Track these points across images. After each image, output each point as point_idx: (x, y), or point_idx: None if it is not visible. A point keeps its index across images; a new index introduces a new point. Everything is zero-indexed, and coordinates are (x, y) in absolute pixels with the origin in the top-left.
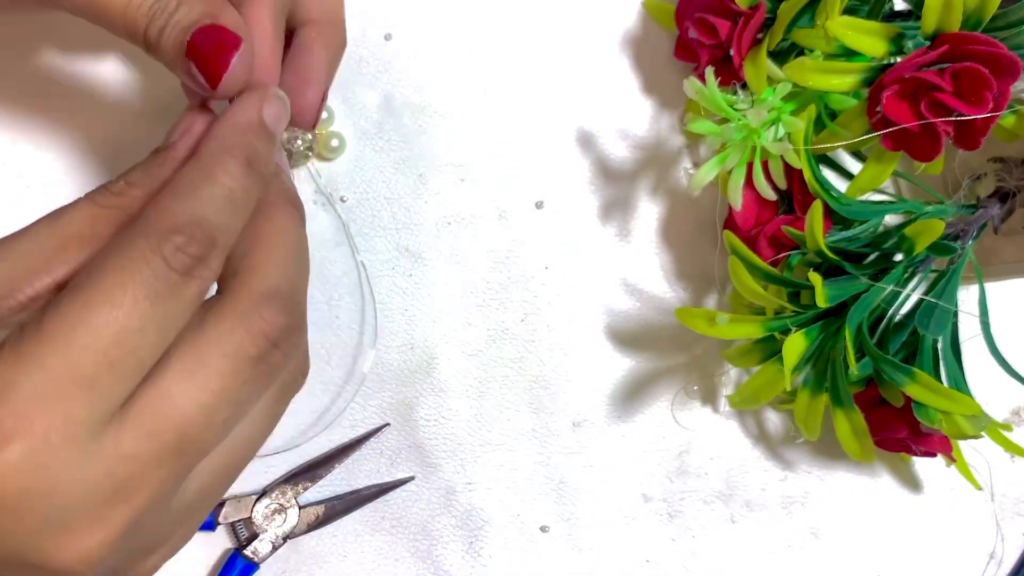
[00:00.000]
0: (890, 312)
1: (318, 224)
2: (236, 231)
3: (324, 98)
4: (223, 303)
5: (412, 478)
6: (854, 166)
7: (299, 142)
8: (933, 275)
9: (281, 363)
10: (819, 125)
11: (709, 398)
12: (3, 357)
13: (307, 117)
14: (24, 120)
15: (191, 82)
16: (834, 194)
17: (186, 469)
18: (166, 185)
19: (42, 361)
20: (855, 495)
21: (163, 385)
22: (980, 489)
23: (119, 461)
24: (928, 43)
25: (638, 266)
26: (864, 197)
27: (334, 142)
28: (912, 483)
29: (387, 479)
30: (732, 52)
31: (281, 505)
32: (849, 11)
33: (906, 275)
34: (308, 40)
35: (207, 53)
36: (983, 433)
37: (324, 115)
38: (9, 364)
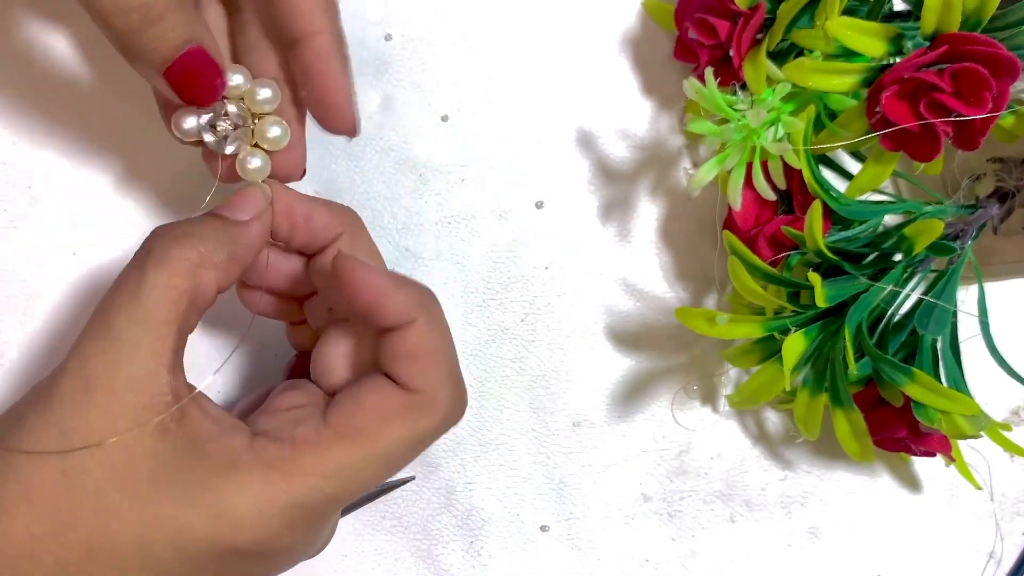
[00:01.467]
0: (889, 312)
1: None
2: None
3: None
4: (412, 397)
5: (412, 478)
6: (853, 166)
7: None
8: (932, 275)
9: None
10: (818, 125)
11: (709, 398)
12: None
13: (351, 126)
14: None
15: (165, 91)
16: (833, 194)
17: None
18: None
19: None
20: (855, 495)
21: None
22: (980, 489)
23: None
24: (927, 43)
25: (638, 266)
26: (863, 197)
27: (274, 130)
28: (911, 483)
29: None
30: (732, 52)
31: None
32: (848, 11)
33: (905, 275)
34: (323, 62)
35: (186, 77)
36: (982, 433)
37: (265, 94)
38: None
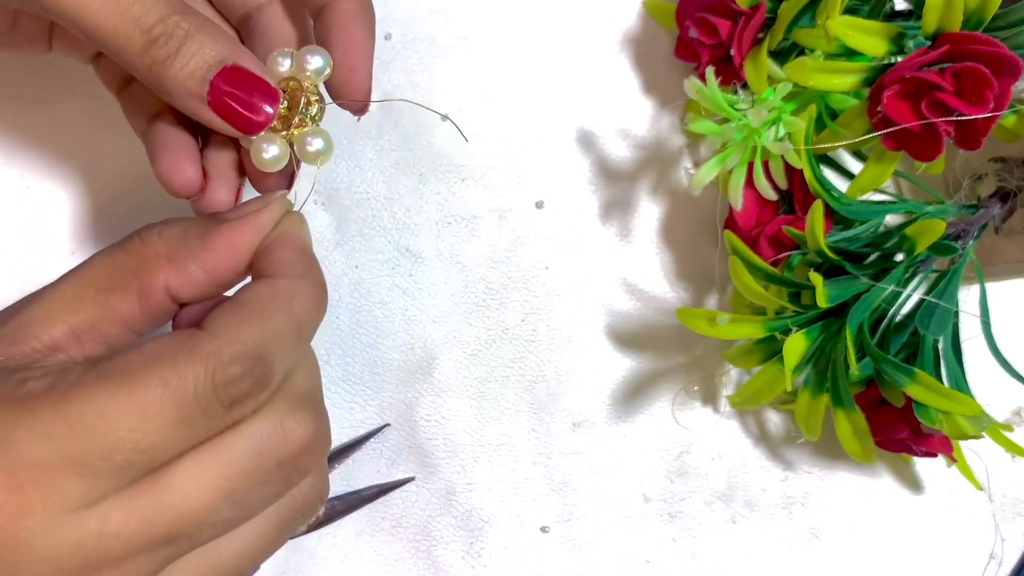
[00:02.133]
0: (891, 312)
1: (317, 224)
2: (293, 366)
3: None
4: (196, 336)
5: (412, 479)
6: (855, 166)
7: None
8: (934, 275)
9: (303, 471)
10: (820, 125)
11: (710, 398)
12: (19, 409)
13: (364, 96)
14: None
15: (210, 123)
16: (835, 194)
17: (168, 560)
18: (205, 263)
19: (51, 431)
20: (856, 495)
21: (173, 477)
22: (981, 489)
23: (98, 538)
24: (929, 43)
25: (638, 266)
26: (865, 197)
27: (315, 142)
28: (913, 483)
29: (387, 479)
30: (732, 52)
31: None
32: (850, 11)
33: (907, 275)
34: (346, 18)
35: (237, 100)
36: (984, 433)
37: (317, 63)
38: (21, 419)
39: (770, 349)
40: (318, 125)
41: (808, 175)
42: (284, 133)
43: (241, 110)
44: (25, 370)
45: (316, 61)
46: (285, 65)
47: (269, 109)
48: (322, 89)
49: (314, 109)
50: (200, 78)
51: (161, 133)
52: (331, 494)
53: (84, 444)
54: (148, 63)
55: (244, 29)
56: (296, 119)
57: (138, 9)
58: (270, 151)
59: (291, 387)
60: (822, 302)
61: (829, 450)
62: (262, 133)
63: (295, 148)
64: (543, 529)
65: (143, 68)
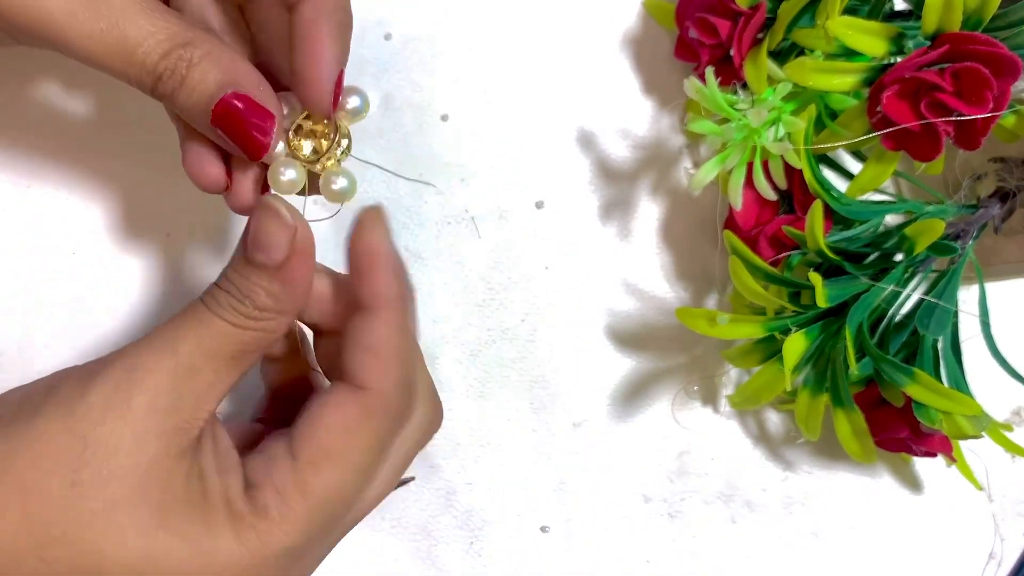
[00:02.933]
0: (890, 312)
1: (317, 224)
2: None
3: (340, 81)
4: (366, 398)
5: (412, 478)
6: (854, 166)
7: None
8: (933, 275)
9: (400, 433)
10: (819, 125)
11: (709, 398)
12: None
13: (321, 103)
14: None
15: (223, 145)
16: (834, 194)
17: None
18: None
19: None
20: (856, 495)
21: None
22: (981, 489)
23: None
24: (928, 43)
25: (638, 266)
26: (864, 197)
27: (339, 182)
28: (912, 483)
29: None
30: (732, 52)
31: None
32: (849, 11)
33: (906, 275)
34: (312, 15)
35: (235, 126)
36: (984, 433)
37: (355, 102)
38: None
39: (770, 349)
40: (341, 164)
41: (808, 175)
42: (313, 163)
43: (244, 133)
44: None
45: (354, 101)
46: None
47: (267, 134)
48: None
49: (342, 148)
50: (203, 108)
51: (190, 132)
52: None
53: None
54: (159, 95)
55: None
56: (326, 155)
57: (142, 53)
58: (287, 174)
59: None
60: (822, 302)
61: (829, 450)
62: (283, 157)
63: (320, 184)
64: (543, 529)
65: (157, 97)
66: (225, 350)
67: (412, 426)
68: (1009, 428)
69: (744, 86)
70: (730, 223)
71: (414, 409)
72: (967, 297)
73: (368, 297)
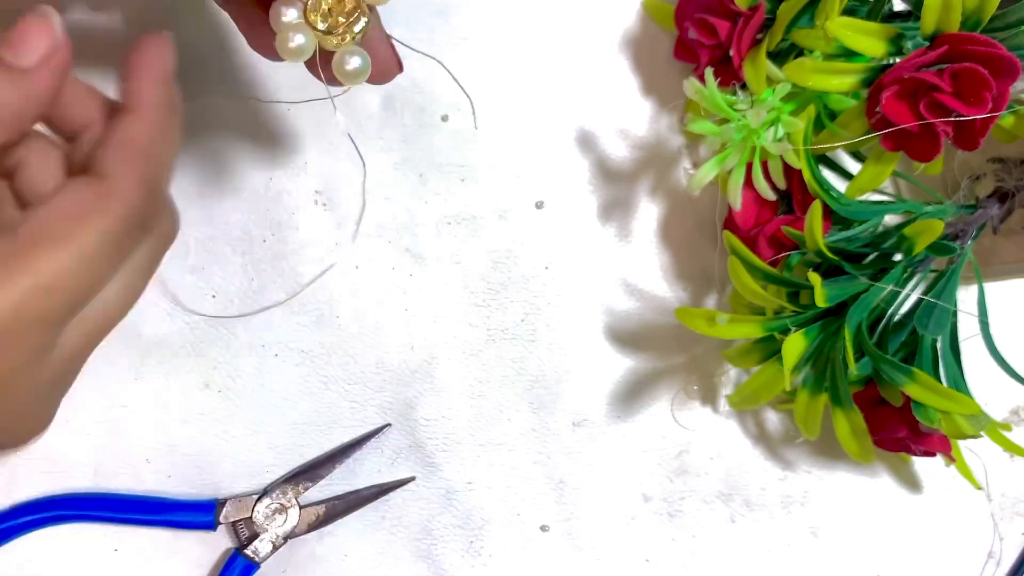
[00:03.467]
0: (889, 312)
1: (318, 224)
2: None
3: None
4: (103, 185)
5: (412, 478)
6: (853, 166)
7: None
8: (932, 275)
9: (141, 237)
10: (818, 125)
11: (709, 398)
12: None
13: (391, 69)
14: None
15: None
16: (834, 194)
17: (55, 332)
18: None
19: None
20: (855, 495)
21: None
22: (980, 488)
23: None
24: (927, 43)
25: (638, 266)
26: (863, 197)
27: (353, 61)
28: (911, 483)
29: (387, 479)
30: (732, 52)
31: (282, 505)
32: (848, 12)
33: (905, 275)
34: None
35: None
36: (982, 433)
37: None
38: None
39: (769, 349)
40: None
41: (807, 175)
42: (327, 36)
43: None
44: None
45: (355, 61)
46: None
47: None
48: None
49: (359, 25)
50: None
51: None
52: (332, 493)
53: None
54: None
55: None
56: (342, 31)
57: None
58: (295, 40)
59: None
60: (821, 302)
61: (828, 449)
62: (293, 22)
63: (333, 64)
64: (543, 528)
65: None
66: None
67: (155, 236)
68: (1008, 427)
69: (743, 87)
70: (729, 223)
71: (158, 219)
72: (966, 297)
73: (130, 98)
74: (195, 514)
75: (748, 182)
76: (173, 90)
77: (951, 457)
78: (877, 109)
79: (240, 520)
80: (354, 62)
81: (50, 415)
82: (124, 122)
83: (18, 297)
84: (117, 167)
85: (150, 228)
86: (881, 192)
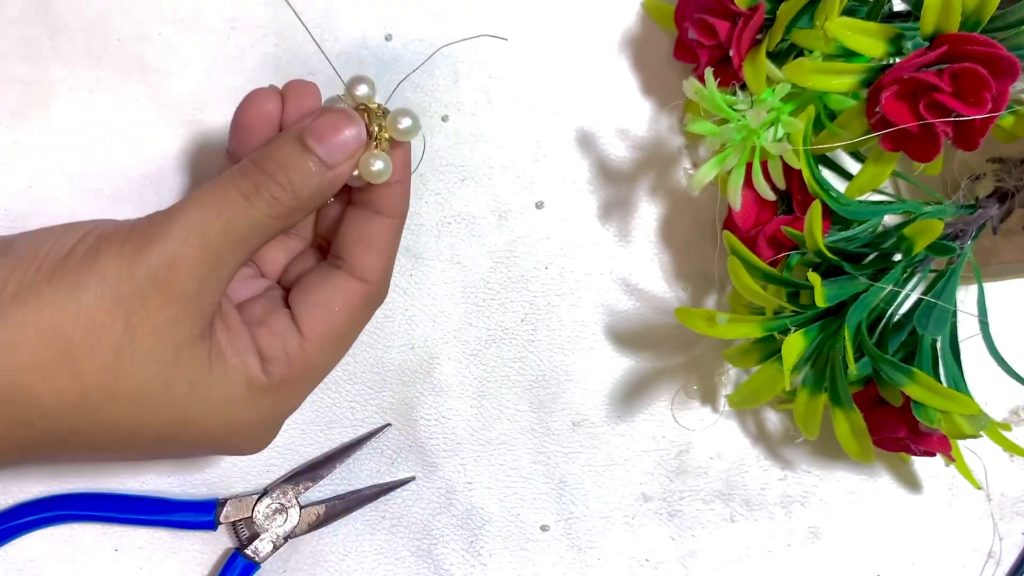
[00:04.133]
0: (889, 312)
1: None
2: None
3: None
4: (367, 289)
5: (413, 478)
6: (853, 166)
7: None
8: (932, 275)
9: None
10: (818, 125)
11: (709, 398)
12: None
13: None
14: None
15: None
16: (833, 194)
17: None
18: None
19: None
20: (854, 495)
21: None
22: (980, 488)
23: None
24: (927, 44)
25: (638, 266)
26: (863, 197)
27: (404, 121)
28: (911, 483)
29: (388, 479)
30: (731, 53)
31: (282, 505)
32: (848, 12)
33: (905, 275)
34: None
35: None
36: (982, 433)
37: (406, 123)
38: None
39: (769, 349)
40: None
41: (807, 175)
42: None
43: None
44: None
45: (406, 122)
46: (362, 91)
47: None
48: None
49: (385, 137)
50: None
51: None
52: (332, 493)
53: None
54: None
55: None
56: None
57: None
58: (376, 165)
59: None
60: (820, 302)
61: (828, 449)
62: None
63: (360, 163)
64: (543, 528)
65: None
66: (251, 240)
67: None
68: (1007, 427)
69: (743, 87)
70: (729, 223)
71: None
72: (965, 297)
73: (385, 206)
74: (195, 514)
75: (748, 182)
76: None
77: (951, 457)
78: (877, 109)
79: (240, 520)
80: (378, 165)
81: (275, 433)
82: (382, 228)
83: (306, 382)
84: (379, 274)
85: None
86: (881, 192)
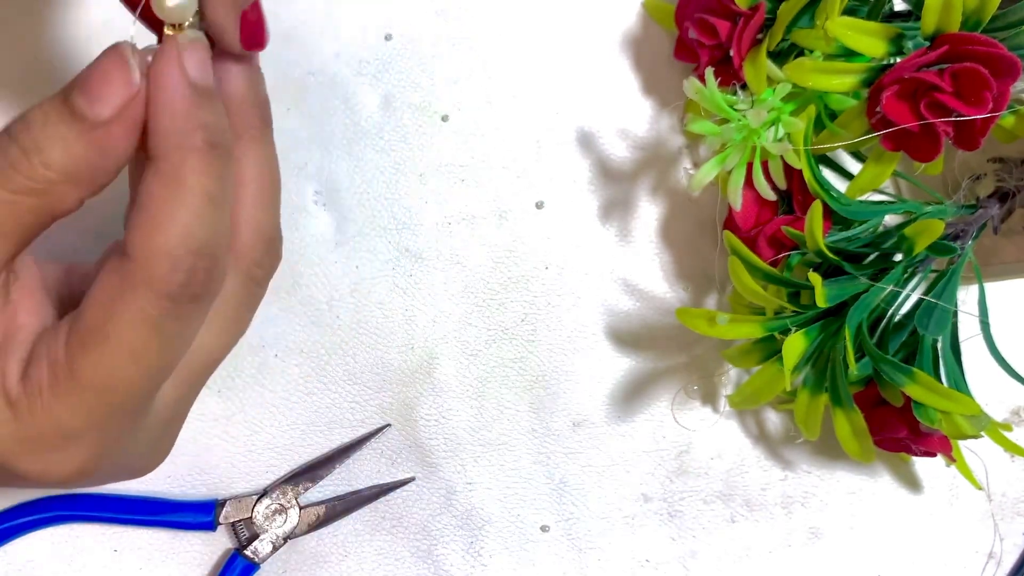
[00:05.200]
0: (890, 312)
1: (318, 224)
2: (226, 228)
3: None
4: (127, 267)
5: (413, 479)
6: (854, 166)
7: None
8: (933, 275)
9: (202, 296)
10: (819, 125)
11: (709, 398)
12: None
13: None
14: None
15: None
16: (834, 194)
17: (143, 405)
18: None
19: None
20: (855, 495)
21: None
22: (980, 489)
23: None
24: (928, 43)
25: (638, 266)
26: (864, 197)
27: None
28: (912, 483)
29: (387, 479)
30: (732, 52)
31: (282, 505)
32: (849, 11)
33: (906, 275)
34: None
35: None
36: (983, 433)
37: None
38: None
39: (769, 349)
40: None
41: (807, 175)
42: None
43: None
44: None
45: None
46: None
47: None
48: None
49: None
50: None
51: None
52: (332, 494)
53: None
54: None
55: None
56: None
57: None
58: None
59: (241, 244)
60: (821, 302)
61: (828, 450)
62: None
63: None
64: (543, 529)
65: None
66: (9, 231)
67: (238, 281)
68: (1008, 428)
69: (744, 87)
70: (730, 223)
71: (221, 271)
72: (966, 297)
73: (151, 142)
74: (195, 514)
75: (748, 182)
76: (211, 117)
77: (951, 457)
78: (877, 109)
79: (240, 520)
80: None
81: (166, 449)
82: (144, 177)
83: (77, 397)
84: (140, 241)
85: (212, 289)
86: (881, 192)
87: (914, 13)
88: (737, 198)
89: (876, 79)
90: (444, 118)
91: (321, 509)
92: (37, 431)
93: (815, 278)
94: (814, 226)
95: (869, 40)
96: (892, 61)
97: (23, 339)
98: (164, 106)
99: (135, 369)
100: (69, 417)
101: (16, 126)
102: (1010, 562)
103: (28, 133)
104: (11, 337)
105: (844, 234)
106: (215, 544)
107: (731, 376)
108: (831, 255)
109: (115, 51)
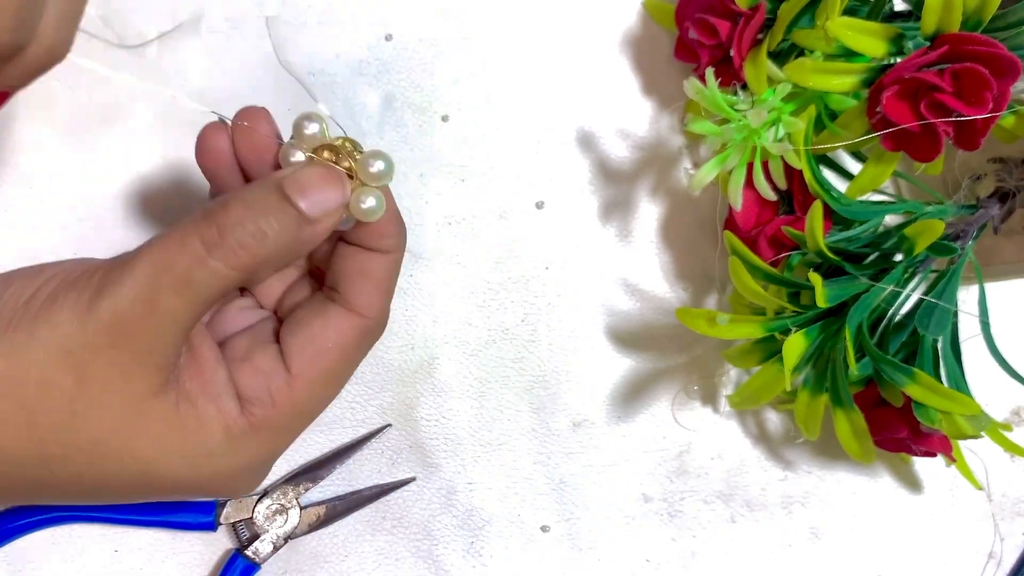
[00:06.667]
0: (890, 312)
1: None
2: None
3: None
4: (365, 324)
5: (413, 479)
6: (854, 166)
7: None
8: (933, 275)
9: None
10: (819, 125)
11: (709, 398)
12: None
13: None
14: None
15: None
16: (834, 194)
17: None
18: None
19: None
20: (855, 495)
21: None
22: (980, 489)
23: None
24: (928, 43)
25: (638, 266)
26: (864, 197)
27: (376, 164)
28: (912, 483)
29: (388, 479)
30: (732, 52)
31: (282, 505)
32: (849, 12)
33: (906, 275)
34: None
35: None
36: (983, 433)
37: (379, 166)
38: None
39: (769, 349)
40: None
41: (807, 175)
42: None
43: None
44: None
45: (378, 165)
46: (311, 129)
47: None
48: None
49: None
50: None
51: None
52: (332, 494)
53: None
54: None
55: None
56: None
57: None
58: (367, 202)
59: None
60: (821, 302)
61: (828, 450)
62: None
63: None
64: (543, 529)
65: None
66: (208, 295)
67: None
68: (1008, 428)
69: (744, 87)
70: (730, 223)
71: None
72: (966, 297)
73: (383, 244)
74: (195, 514)
75: (749, 182)
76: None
77: (952, 457)
78: (878, 109)
79: (240, 521)
80: (369, 202)
81: (264, 474)
82: (381, 264)
83: (292, 421)
84: (376, 309)
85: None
86: (882, 192)
87: (914, 13)
88: (737, 198)
89: (876, 79)
90: (444, 118)
91: (322, 509)
92: (265, 458)
93: (815, 278)
94: (814, 226)
95: (869, 40)
96: (892, 61)
97: (223, 379)
98: (400, 219)
99: (335, 395)
100: (287, 442)
101: (236, 212)
102: (1010, 562)
103: (252, 219)
104: (214, 380)
105: (844, 234)
106: (216, 544)
107: (731, 376)
108: (831, 255)
109: (335, 174)
